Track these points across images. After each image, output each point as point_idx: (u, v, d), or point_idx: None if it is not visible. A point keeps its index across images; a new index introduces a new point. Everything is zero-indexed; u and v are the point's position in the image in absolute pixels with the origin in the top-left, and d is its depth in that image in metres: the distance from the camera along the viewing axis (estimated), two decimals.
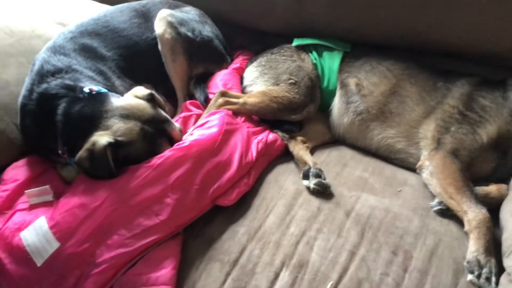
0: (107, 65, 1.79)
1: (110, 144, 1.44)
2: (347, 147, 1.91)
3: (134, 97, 1.60)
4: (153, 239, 1.42)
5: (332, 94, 1.94)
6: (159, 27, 1.94)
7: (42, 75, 1.64)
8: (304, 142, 1.84)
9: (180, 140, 1.61)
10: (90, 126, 1.51)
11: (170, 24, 1.95)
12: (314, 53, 2.02)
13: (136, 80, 1.86)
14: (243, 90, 2.01)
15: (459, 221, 1.54)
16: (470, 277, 1.36)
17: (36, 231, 1.43)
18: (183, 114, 1.84)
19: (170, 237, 1.46)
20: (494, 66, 1.95)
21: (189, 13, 2.09)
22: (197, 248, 1.48)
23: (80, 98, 1.55)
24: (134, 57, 1.88)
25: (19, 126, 1.71)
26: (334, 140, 1.96)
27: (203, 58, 2.05)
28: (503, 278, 1.35)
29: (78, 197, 1.47)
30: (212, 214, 1.56)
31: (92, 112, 1.52)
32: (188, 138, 1.61)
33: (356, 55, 1.99)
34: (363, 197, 1.62)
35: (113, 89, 1.71)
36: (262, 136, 1.78)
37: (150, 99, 1.60)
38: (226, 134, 1.67)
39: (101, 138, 1.45)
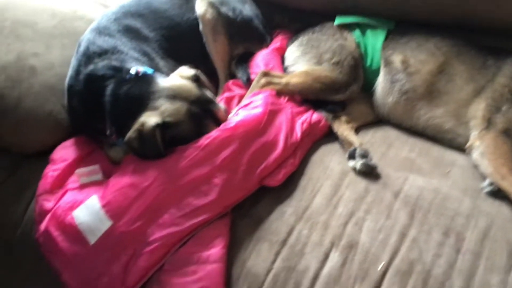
0: (150, 46, 1.79)
1: (158, 125, 1.45)
2: (391, 127, 1.87)
3: (180, 78, 1.60)
4: (203, 219, 1.43)
5: (376, 73, 1.90)
6: (200, 7, 1.93)
7: (89, 57, 1.65)
8: (348, 122, 1.81)
9: (226, 120, 1.61)
10: (138, 107, 1.52)
11: (211, 4, 1.93)
12: (357, 31, 1.98)
13: (178, 61, 1.85)
14: (284, 70, 1.99)
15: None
16: None
17: (88, 210, 1.46)
18: (226, 95, 1.84)
19: (219, 217, 1.47)
20: None
21: None
22: (245, 228, 1.49)
23: (127, 79, 1.55)
24: (176, 38, 1.88)
25: (66, 107, 1.73)
26: (378, 120, 1.92)
27: (244, 38, 2.03)
28: None
29: (128, 177, 1.49)
30: (258, 194, 1.55)
31: (140, 93, 1.53)
32: (234, 118, 1.60)
33: (400, 32, 1.94)
34: (411, 178, 1.60)
35: (157, 70, 1.71)
36: (306, 116, 1.77)
37: (195, 79, 1.60)
38: (271, 114, 1.66)
39: (150, 119, 1.46)
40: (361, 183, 1.58)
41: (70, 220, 1.46)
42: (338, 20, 2.02)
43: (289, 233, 1.46)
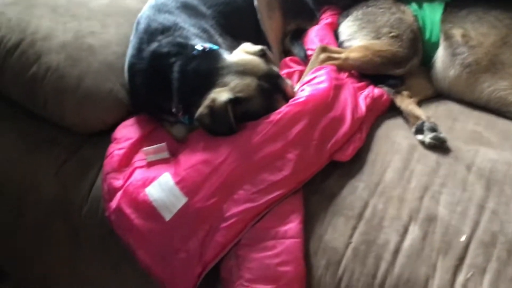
0: (208, 23, 1.76)
1: (230, 100, 1.44)
2: (452, 102, 1.85)
3: (246, 53, 1.58)
4: (278, 194, 1.42)
5: (435, 46, 1.87)
6: None
7: (151, 34, 1.63)
8: (409, 97, 1.79)
9: (293, 96, 1.59)
10: (207, 84, 1.50)
11: None
12: (414, 4, 1.95)
13: (234, 37, 1.83)
14: (339, 46, 1.96)
15: None
16: None
17: (161, 187, 1.45)
18: (285, 71, 1.82)
19: (292, 193, 1.46)
20: None
21: None
22: (318, 203, 1.48)
23: (194, 55, 1.53)
24: (232, 14, 1.85)
25: (127, 86, 1.72)
26: (437, 94, 1.90)
27: (296, 14, 2.01)
28: None
29: (200, 153, 1.48)
30: (328, 169, 1.54)
31: (208, 69, 1.51)
32: (302, 93, 1.58)
33: (458, 5, 1.90)
34: (482, 151, 1.58)
35: (217, 45, 1.69)
36: (367, 91, 1.74)
37: (262, 54, 1.58)
38: (336, 89, 1.63)
39: (221, 95, 1.45)
40: (432, 157, 1.57)
41: (143, 197, 1.46)
42: None
43: (364, 208, 1.45)
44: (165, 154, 1.59)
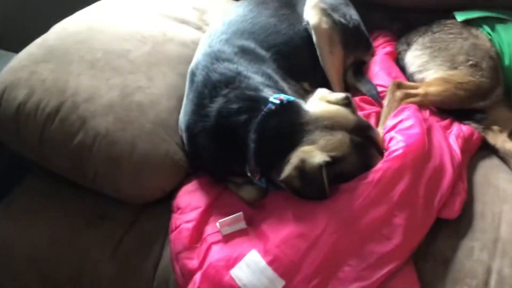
0: (270, 67, 1.57)
1: (327, 163, 1.23)
2: None
3: (327, 103, 1.38)
4: (391, 268, 1.21)
5: None
6: (313, 16, 1.71)
7: (213, 87, 1.43)
8: (501, 132, 1.60)
9: (385, 147, 1.39)
10: (291, 143, 1.30)
11: (324, 12, 1.71)
12: (486, 27, 1.77)
13: (295, 79, 1.64)
14: (409, 79, 1.77)
15: None
16: None
17: (250, 268, 1.24)
18: (361, 114, 1.61)
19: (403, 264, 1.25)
20: None
21: None
22: (433, 271, 1.28)
23: (270, 111, 1.33)
24: (291, 53, 1.66)
25: (186, 147, 1.51)
26: None
27: (355, 46, 1.82)
28: None
29: (292, 224, 1.27)
30: (433, 229, 1.34)
31: (291, 126, 1.31)
32: (394, 144, 1.38)
33: None
34: None
35: (283, 93, 1.49)
36: (456, 131, 1.55)
37: (347, 103, 1.38)
38: (427, 133, 1.44)
39: (313, 155, 1.24)
40: None
41: (229, 281, 1.25)
42: (461, 16, 1.81)
43: (488, 273, 1.25)
44: (242, 225, 1.38)
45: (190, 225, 1.39)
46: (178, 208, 1.47)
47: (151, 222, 1.52)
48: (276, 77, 1.54)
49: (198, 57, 1.56)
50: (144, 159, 1.48)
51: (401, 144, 1.35)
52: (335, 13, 1.74)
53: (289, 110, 1.34)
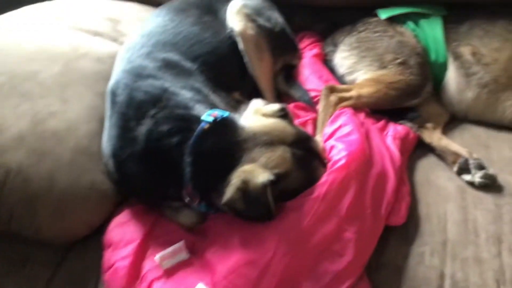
0: (198, 80, 1.46)
1: (271, 182, 1.15)
2: (472, 124, 1.69)
3: (263, 116, 1.30)
4: (347, 286, 1.15)
5: (443, 67, 1.70)
6: (238, 22, 1.62)
7: (138, 107, 1.30)
8: (435, 129, 1.60)
9: (326, 157, 1.33)
10: (230, 163, 1.20)
11: (249, 17, 1.63)
12: (410, 23, 1.76)
13: (225, 89, 1.54)
14: (339, 80, 1.73)
15: None
16: None
17: None
18: (296, 122, 1.55)
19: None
20: None
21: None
22: (387, 282, 1.24)
23: (204, 130, 1.23)
24: (218, 63, 1.56)
25: (114, 175, 1.37)
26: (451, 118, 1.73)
27: (283, 50, 1.76)
28: None
29: (239, 251, 1.18)
30: (381, 238, 1.30)
31: (228, 145, 1.22)
32: (336, 153, 1.33)
33: (456, 19, 1.74)
34: None
35: (214, 107, 1.39)
36: (392, 131, 1.54)
37: (283, 115, 1.30)
38: (366, 138, 1.41)
39: (257, 176, 1.16)
40: (487, 198, 1.39)
41: None
42: (384, 13, 1.79)
43: (442, 279, 1.23)
44: (184, 255, 1.27)
45: (126, 262, 1.26)
46: (111, 244, 1.32)
47: (80, 261, 1.37)
48: (206, 90, 1.44)
49: (117, 74, 1.42)
50: (65, 195, 1.32)
51: (343, 153, 1.30)
52: (259, 17, 1.66)
53: (224, 128, 1.24)
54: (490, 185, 1.40)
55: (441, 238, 1.30)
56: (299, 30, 1.99)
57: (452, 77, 1.68)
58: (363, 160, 1.31)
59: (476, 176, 1.40)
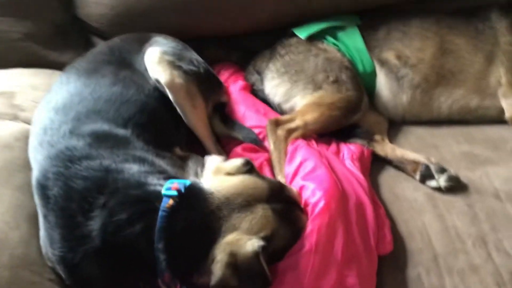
0: (137, 147, 1.28)
1: (263, 248, 1.03)
2: (411, 126, 1.70)
3: (227, 175, 1.17)
4: None
5: (372, 76, 1.69)
6: (162, 72, 1.46)
7: (82, 198, 1.10)
8: (383, 140, 1.58)
9: (301, 201, 1.24)
10: (208, 237, 1.06)
11: (172, 64, 1.48)
12: (329, 38, 1.73)
13: (165, 148, 1.38)
14: (276, 110, 1.66)
15: None
16: None
17: None
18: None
19: None
20: None
21: (169, 42, 1.62)
22: None
23: (170, 207, 1.07)
24: (151, 121, 1.39)
25: (67, 281, 1.15)
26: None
27: (212, 90, 1.62)
28: None
29: None
30: None
31: (202, 218, 1.07)
32: (309, 195, 1.24)
33: (371, 25, 1.75)
34: (491, 172, 1.45)
35: (163, 173, 1.23)
36: (347, 153, 1.49)
37: (250, 169, 1.18)
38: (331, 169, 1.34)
39: (245, 245, 1.03)
40: (457, 200, 1.39)
41: None
42: (303, 33, 1.74)
43: None
44: None
45: None
46: None
47: None
48: (149, 156, 1.27)
49: (40, 163, 1.20)
50: None
51: (319, 194, 1.22)
52: (183, 62, 1.52)
53: (192, 199, 1.09)
54: (455, 186, 1.40)
55: (430, 254, 1.27)
56: (214, 62, 1.88)
57: (383, 84, 1.68)
58: (340, 195, 1.23)
59: (441, 180, 1.39)
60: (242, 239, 1.04)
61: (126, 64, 1.51)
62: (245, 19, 1.80)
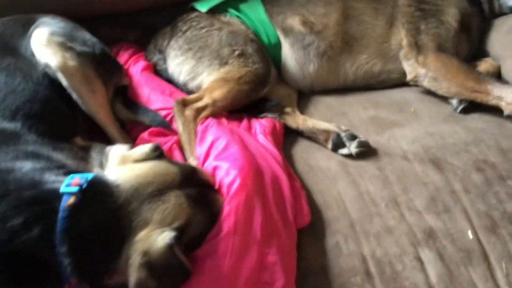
0: (30, 141, 1.17)
1: (176, 238, 0.97)
2: (320, 95, 1.71)
3: (135, 163, 1.09)
4: None
5: (277, 47, 1.67)
6: (51, 55, 1.33)
7: None
8: (294, 112, 1.57)
9: (215, 182, 1.19)
10: (119, 234, 0.98)
11: (63, 46, 1.36)
12: (232, 11, 1.68)
13: (64, 139, 1.27)
14: (182, 89, 1.58)
15: (485, 109, 1.53)
16: None
17: None
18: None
19: None
20: None
21: (58, 22, 1.48)
22: (317, 284, 1.17)
23: (71, 205, 0.98)
24: (44, 110, 1.28)
25: None
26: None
27: (111, 73, 1.53)
28: None
29: None
30: None
31: (110, 214, 0.99)
32: (223, 175, 1.19)
33: None
34: (397, 134, 1.49)
35: (61, 168, 1.13)
36: (259, 128, 1.46)
37: (159, 154, 1.11)
38: (244, 146, 1.30)
39: (156, 240, 0.97)
40: (368, 165, 1.41)
41: None
42: (203, 6, 1.67)
43: (365, 262, 1.21)
44: None
45: None
46: None
47: None
48: (45, 150, 1.16)
49: None
50: None
51: (233, 173, 1.17)
52: (75, 43, 1.40)
53: (96, 194, 1.01)
54: (366, 152, 1.42)
55: (347, 221, 1.28)
56: (111, 43, 1.76)
57: (289, 55, 1.66)
58: (255, 172, 1.20)
59: (352, 147, 1.41)
60: (153, 234, 0.97)
61: (9, 50, 1.37)
62: None
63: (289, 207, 1.21)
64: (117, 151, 1.13)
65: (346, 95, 1.69)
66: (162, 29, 1.72)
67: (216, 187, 1.18)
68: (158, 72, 1.65)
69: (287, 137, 1.53)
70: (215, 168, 1.22)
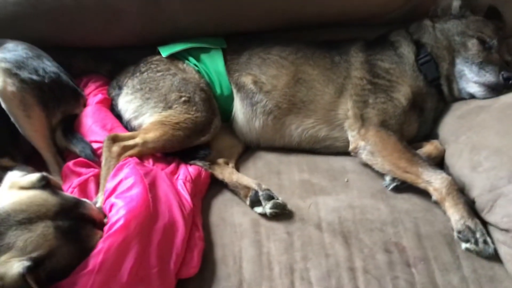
0: None
1: (29, 269, 1.00)
2: (264, 151, 1.73)
3: (20, 190, 1.14)
4: None
5: (229, 99, 1.71)
6: None
7: None
8: (227, 164, 1.59)
9: (103, 219, 1.23)
10: None
11: (8, 72, 1.46)
12: (192, 59, 1.74)
13: None
14: (126, 127, 1.64)
15: (418, 191, 1.50)
16: (467, 245, 1.32)
17: None
18: (75, 181, 1.42)
19: None
20: (363, 26, 1.94)
21: (17, 49, 1.59)
22: None
23: None
24: None
25: None
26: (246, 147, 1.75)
27: (60, 101, 1.60)
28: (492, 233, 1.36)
29: None
30: None
31: None
32: (115, 213, 1.22)
33: (235, 50, 1.77)
34: (320, 201, 1.48)
35: None
36: (182, 174, 1.49)
37: (45, 184, 1.16)
38: (151, 189, 1.33)
39: (11, 267, 1.00)
40: (279, 227, 1.41)
41: None
42: (164, 51, 1.75)
43: None
44: None
45: None
46: None
47: None
48: None
49: None
50: None
51: (122, 212, 1.20)
52: (22, 71, 1.49)
53: None
54: (281, 214, 1.42)
55: (237, 279, 1.27)
56: (82, 74, 1.86)
57: (239, 108, 1.69)
58: (145, 216, 1.22)
59: (267, 207, 1.41)
60: (11, 261, 1.01)
61: None
62: (109, 34, 1.79)
63: (175, 256, 1.22)
64: (11, 176, 1.19)
65: (289, 154, 1.70)
66: (127, 67, 1.80)
67: (102, 223, 1.21)
68: (113, 107, 1.72)
69: (215, 187, 1.55)
70: (112, 206, 1.26)
